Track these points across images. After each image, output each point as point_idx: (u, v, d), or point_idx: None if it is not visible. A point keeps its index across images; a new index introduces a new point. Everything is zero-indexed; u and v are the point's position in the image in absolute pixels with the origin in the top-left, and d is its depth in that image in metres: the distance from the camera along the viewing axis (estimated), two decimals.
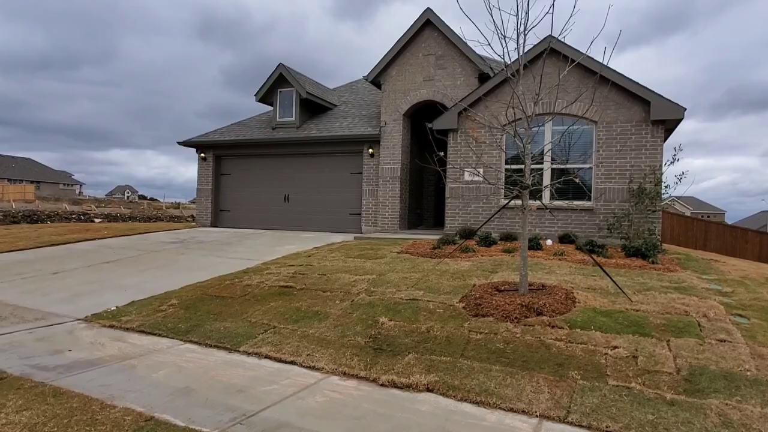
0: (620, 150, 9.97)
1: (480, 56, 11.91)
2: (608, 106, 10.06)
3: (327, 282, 7.16)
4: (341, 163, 14.09)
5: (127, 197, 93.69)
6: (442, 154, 9.55)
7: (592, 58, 9.75)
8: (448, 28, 12.23)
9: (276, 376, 4.29)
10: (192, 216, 23.02)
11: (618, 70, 9.84)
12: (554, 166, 10.53)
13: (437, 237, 11.25)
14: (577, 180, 9.24)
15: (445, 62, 12.42)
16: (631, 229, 9.38)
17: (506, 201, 9.87)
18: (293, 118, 14.71)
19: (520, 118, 10.55)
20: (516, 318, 5.44)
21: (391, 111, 13.02)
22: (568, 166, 10.46)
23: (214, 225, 15.59)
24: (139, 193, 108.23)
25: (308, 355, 4.81)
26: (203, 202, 15.76)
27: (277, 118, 14.95)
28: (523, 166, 10.75)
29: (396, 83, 12.95)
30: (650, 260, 8.02)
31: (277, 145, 14.61)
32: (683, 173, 9.14)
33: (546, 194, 10.56)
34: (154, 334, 5.41)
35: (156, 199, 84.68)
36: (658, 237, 9.40)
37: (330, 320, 5.65)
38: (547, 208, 10.11)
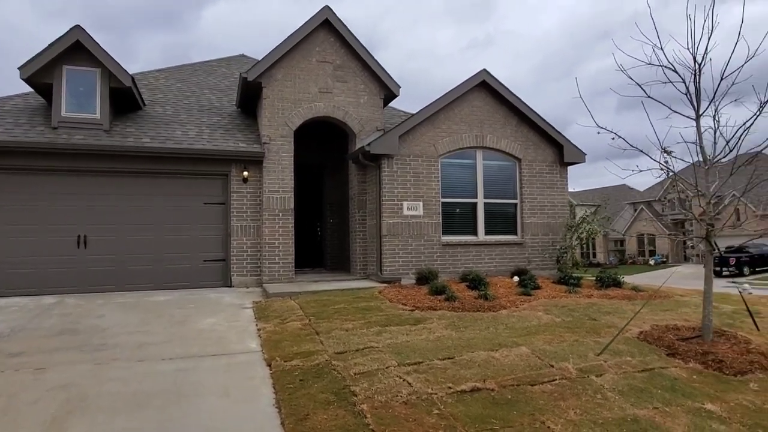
0: (539, 187, 10.65)
1: (387, 73, 10.58)
2: (528, 146, 10.62)
3: (493, 369, 4.76)
4: (189, 189, 9.74)
5: None
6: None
7: (519, 98, 10.24)
8: (351, 34, 10.36)
9: None
10: None
11: (538, 113, 10.56)
12: (487, 201, 10.32)
13: (363, 284, 9.25)
14: None
15: (346, 75, 10.43)
16: (568, 260, 10.10)
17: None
18: (97, 115, 9.28)
19: (462, 148, 10.06)
20: None
21: (277, 124, 9.93)
22: (500, 200, 10.42)
23: None
24: None
25: None
26: None
27: (63, 112, 9.11)
28: (459, 200, 10.15)
29: (283, 90, 10.00)
30: (629, 288, 8.81)
31: (68, 155, 8.88)
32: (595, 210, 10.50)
33: (481, 229, 10.23)
34: None
35: None
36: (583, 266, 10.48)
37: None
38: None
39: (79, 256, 9.09)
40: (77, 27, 9.02)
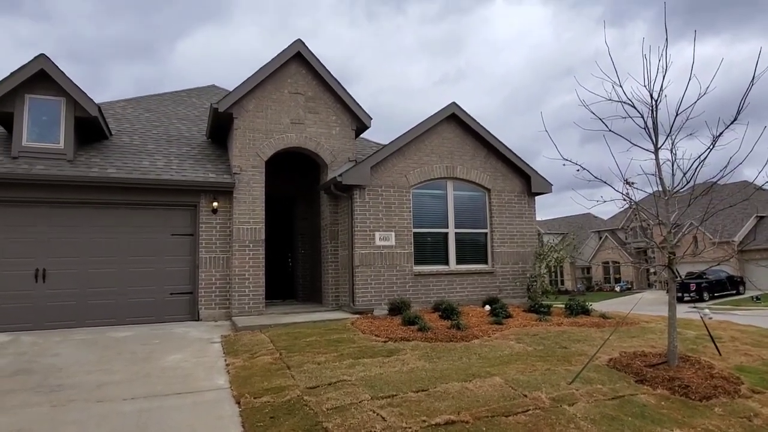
0: (509, 217, 10.85)
1: (359, 105, 10.72)
2: (497, 177, 10.85)
3: (467, 401, 4.73)
4: (156, 220, 9.52)
5: None
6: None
7: (487, 130, 10.53)
8: (323, 66, 10.51)
9: None
10: None
11: (506, 144, 10.84)
12: (458, 230, 10.43)
13: (335, 315, 9.14)
14: None
15: (317, 106, 10.54)
16: (538, 288, 10.23)
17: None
18: (61, 145, 9.05)
19: (433, 179, 10.21)
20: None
21: (248, 155, 9.88)
22: (470, 230, 10.54)
23: None
24: None
25: None
26: None
27: (25, 141, 8.85)
28: (430, 230, 10.22)
29: (255, 121, 10.01)
30: (597, 316, 8.96)
31: (28, 185, 8.59)
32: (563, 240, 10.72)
33: (453, 259, 10.30)
34: None
35: None
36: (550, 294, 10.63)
37: None
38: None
39: (36, 290, 8.69)
40: (42, 55, 8.87)
